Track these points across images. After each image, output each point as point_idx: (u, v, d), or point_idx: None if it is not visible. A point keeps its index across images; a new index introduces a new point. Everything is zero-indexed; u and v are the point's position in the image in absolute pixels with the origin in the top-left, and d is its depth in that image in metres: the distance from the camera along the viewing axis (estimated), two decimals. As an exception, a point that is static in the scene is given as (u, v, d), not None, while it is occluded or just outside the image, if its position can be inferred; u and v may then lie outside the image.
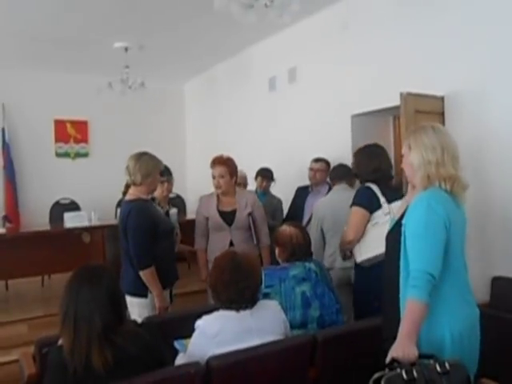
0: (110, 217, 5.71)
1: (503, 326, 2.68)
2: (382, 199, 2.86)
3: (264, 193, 4.56)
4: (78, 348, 1.71)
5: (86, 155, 6.78)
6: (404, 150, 2.04)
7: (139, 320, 2.76)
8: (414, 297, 1.73)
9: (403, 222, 1.93)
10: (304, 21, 4.62)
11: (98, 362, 1.71)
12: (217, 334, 2.01)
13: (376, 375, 1.59)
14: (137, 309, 2.91)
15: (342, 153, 4.32)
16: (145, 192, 3.00)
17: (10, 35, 4.97)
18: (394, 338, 1.80)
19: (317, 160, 4.27)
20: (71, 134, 6.66)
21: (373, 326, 2.26)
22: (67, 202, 5.97)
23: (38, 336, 2.53)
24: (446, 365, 1.59)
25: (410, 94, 3.22)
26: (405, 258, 1.88)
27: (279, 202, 4.55)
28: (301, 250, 2.63)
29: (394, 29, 3.83)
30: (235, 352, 1.96)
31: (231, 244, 3.43)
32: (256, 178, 4.58)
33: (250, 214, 3.51)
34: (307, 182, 4.32)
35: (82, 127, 6.72)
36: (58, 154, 6.61)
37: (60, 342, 1.87)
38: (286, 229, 2.70)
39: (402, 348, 1.67)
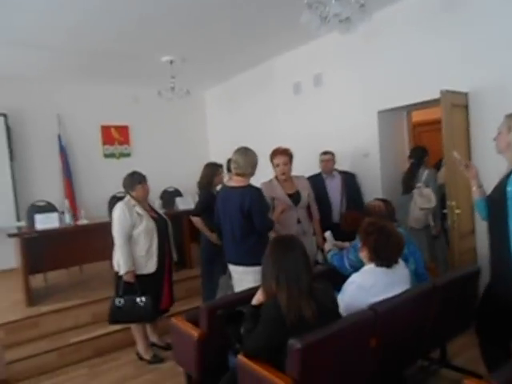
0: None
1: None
2: None
3: None
4: (292, 304, 1.74)
5: (128, 155, 6.60)
6: (502, 128, 2.15)
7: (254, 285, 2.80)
8: None
9: (508, 189, 2.04)
10: (328, 36, 4.57)
11: (308, 313, 1.75)
12: (372, 286, 2.08)
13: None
14: (251, 276, 2.92)
15: (369, 144, 4.44)
16: (249, 180, 3.01)
17: (67, 52, 4.72)
18: (504, 278, 1.94)
19: (325, 153, 4.38)
20: (115, 138, 6.46)
21: (471, 272, 2.40)
22: (123, 195, 5.77)
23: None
24: None
25: (447, 91, 3.33)
26: None
27: None
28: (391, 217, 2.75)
29: (416, 38, 3.90)
30: (389, 299, 2.05)
31: (298, 221, 3.43)
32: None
33: (308, 195, 3.55)
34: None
35: (124, 131, 6.52)
36: (106, 155, 6.41)
37: (256, 301, 1.89)
38: (376, 203, 2.79)
39: None
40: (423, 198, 3.92)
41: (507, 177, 2.08)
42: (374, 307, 1.97)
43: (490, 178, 2.29)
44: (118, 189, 5.87)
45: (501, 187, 2.11)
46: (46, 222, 4.23)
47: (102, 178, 6.16)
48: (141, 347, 3.44)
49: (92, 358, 3.56)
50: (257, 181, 3.18)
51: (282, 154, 3.46)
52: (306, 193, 3.54)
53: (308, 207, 3.61)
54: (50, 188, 5.79)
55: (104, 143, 6.38)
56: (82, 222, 4.47)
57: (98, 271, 5.08)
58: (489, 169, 2.55)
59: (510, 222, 2.01)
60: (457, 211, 3.33)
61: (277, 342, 1.74)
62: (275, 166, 3.50)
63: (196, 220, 3.78)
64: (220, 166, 4.11)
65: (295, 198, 3.48)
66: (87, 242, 4.55)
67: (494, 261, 2.16)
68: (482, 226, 3.06)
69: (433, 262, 3.82)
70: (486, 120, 3.36)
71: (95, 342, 3.65)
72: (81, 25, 4.02)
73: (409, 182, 4.13)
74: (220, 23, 4.27)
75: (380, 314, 1.96)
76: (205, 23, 4.24)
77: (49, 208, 5.25)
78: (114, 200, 5.71)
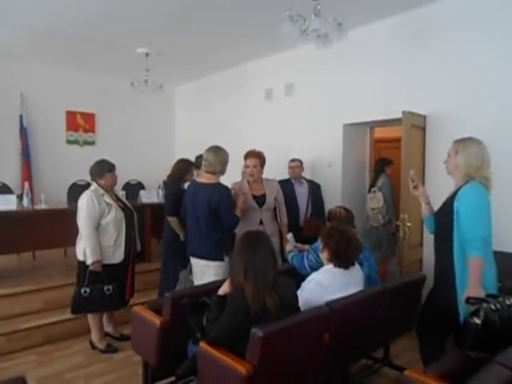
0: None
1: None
2: None
3: None
4: (257, 295, 1.86)
5: (92, 143, 6.48)
6: (451, 152, 2.39)
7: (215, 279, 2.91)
8: (477, 256, 2.08)
9: (455, 204, 2.27)
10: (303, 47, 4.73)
11: (271, 305, 1.88)
12: (329, 284, 2.25)
13: (472, 308, 1.92)
14: (213, 270, 3.03)
15: (333, 155, 4.68)
16: (219, 178, 3.11)
17: (35, 30, 4.58)
18: (445, 285, 2.18)
19: (293, 160, 4.56)
20: (80, 124, 6.32)
21: (418, 279, 2.63)
22: (84, 183, 5.69)
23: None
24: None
25: (408, 112, 3.61)
26: (458, 230, 2.22)
27: None
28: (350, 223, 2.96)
29: (384, 60, 4.18)
30: (344, 298, 2.22)
31: (261, 222, 3.53)
32: None
33: (275, 198, 3.66)
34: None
35: (90, 119, 6.40)
36: (69, 141, 6.25)
37: (223, 291, 2.00)
38: (338, 209, 2.98)
39: (474, 291, 2.03)
40: (373, 200, 4.60)
41: (455, 194, 2.32)
42: (330, 304, 2.13)
43: (440, 194, 2.52)
44: (79, 176, 5.82)
45: (449, 203, 2.33)
46: (2, 203, 4.09)
47: (63, 164, 6.03)
48: (95, 336, 3.42)
49: (42, 345, 3.50)
50: (222, 180, 3.26)
51: (254, 157, 3.56)
52: (273, 196, 3.64)
53: (275, 210, 3.72)
54: (6, 169, 5.59)
55: (68, 129, 6.23)
56: (41, 206, 4.36)
57: (52, 258, 4.97)
58: (440, 187, 2.80)
59: (454, 235, 2.23)
60: (408, 224, 3.60)
61: (240, 331, 1.86)
62: (245, 166, 3.60)
63: (172, 220, 3.72)
64: (193, 163, 4.15)
65: (260, 200, 3.58)
66: (43, 227, 4.43)
67: (437, 269, 2.39)
68: (429, 240, 3.33)
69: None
70: (440, 142, 3.64)
71: (46, 329, 3.59)
72: (56, 5, 3.93)
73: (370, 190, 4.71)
74: (199, 22, 4.35)
75: (335, 311, 2.12)
76: (184, 20, 4.30)
77: (3, 189, 5.09)
78: (75, 188, 5.63)
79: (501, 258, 2.54)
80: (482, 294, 2.02)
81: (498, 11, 3.39)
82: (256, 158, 3.56)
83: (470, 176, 2.29)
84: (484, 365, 1.64)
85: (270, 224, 3.61)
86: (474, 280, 2.07)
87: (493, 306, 1.90)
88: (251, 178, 3.56)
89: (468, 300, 2.01)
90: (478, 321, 1.88)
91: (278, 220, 3.79)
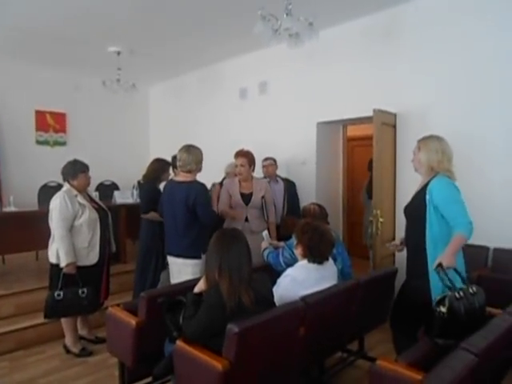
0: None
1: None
2: None
3: None
4: (233, 291, 1.89)
5: (63, 144, 6.34)
6: (415, 150, 2.50)
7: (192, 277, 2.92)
8: (463, 234, 2.16)
9: (427, 198, 2.34)
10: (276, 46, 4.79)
11: (247, 300, 1.91)
12: (304, 279, 2.30)
13: (439, 297, 2.01)
14: (190, 268, 3.04)
15: (307, 153, 4.75)
16: (195, 176, 3.13)
17: (1, 28, 4.46)
18: (418, 276, 2.26)
19: (266, 159, 4.61)
20: (51, 124, 6.17)
21: (390, 272, 2.71)
22: (55, 184, 5.56)
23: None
24: (474, 288, 2.07)
25: (379, 110, 3.71)
26: (430, 221, 2.29)
27: None
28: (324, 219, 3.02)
29: (356, 59, 4.28)
30: (318, 292, 2.28)
31: (246, 219, 3.61)
32: None
33: (262, 197, 3.71)
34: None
35: (60, 119, 6.25)
36: (39, 142, 6.10)
37: (198, 289, 2.01)
38: (311, 206, 3.04)
39: (447, 259, 2.11)
40: None
41: (424, 188, 2.40)
42: (304, 299, 2.18)
43: (410, 190, 2.59)
44: (50, 178, 5.70)
45: (419, 197, 2.40)
46: (-32, 206, 3.98)
47: (32, 165, 5.89)
48: (69, 340, 3.37)
49: (15, 351, 3.41)
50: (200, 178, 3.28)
51: (242, 156, 3.67)
52: (260, 195, 3.70)
53: (262, 209, 3.73)
54: (-29, 171, 5.41)
55: (37, 129, 6.08)
56: (10, 209, 4.25)
57: (23, 262, 4.85)
58: (410, 182, 2.89)
59: (427, 226, 2.31)
60: (381, 219, 3.70)
61: (216, 327, 1.88)
62: (235, 166, 3.73)
63: (150, 215, 3.68)
64: (169, 163, 4.12)
65: (247, 197, 3.67)
66: (13, 230, 4.30)
67: (410, 261, 2.48)
68: (401, 235, 3.42)
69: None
70: (409, 140, 3.72)
71: (18, 335, 3.50)
72: (24, 2, 3.84)
73: (370, 189, 4.57)
74: (173, 20, 4.34)
75: (310, 305, 2.17)
76: (156, 18, 4.28)
77: (-31, 192, 4.93)
78: (45, 189, 5.51)
79: (466, 250, 2.69)
80: (453, 264, 2.11)
81: (467, 13, 3.53)
82: (243, 157, 3.67)
83: (433, 170, 2.39)
84: (451, 351, 1.72)
85: (256, 221, 3.67)
86: (450, 250, 2.15)
87: (457, 295, 1.99)
88: (240, 176, 3.68)
89: (438, 266, 2.09)
90: (443, 309, 1.97)
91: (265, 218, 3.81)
